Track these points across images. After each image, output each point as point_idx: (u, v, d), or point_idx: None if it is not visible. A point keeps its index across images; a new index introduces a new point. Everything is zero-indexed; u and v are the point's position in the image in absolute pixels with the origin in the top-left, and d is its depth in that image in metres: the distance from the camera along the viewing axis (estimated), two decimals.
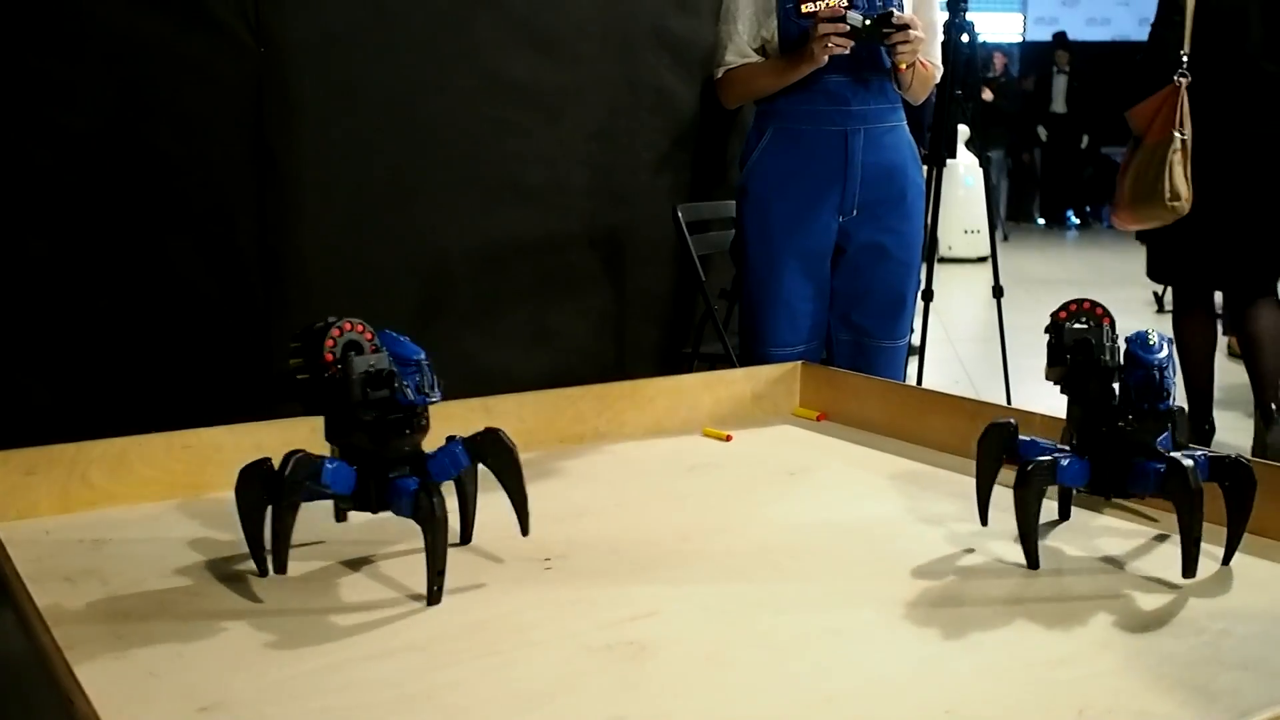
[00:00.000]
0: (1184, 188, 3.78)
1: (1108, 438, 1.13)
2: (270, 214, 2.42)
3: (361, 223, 2.55)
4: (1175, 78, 3.82)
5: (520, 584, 1.10)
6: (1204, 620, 1.02)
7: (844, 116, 2.62)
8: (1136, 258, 4.69)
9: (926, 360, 4.30)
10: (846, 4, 2.55)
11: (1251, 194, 3.95)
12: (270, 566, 1.12)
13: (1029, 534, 1.13)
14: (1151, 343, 1.12)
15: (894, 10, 2.53)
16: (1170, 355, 1.12)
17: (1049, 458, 1.14)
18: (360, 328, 1.10)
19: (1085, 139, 13.82)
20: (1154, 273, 4.49)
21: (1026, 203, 14.55)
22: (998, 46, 14.63)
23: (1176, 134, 3.77)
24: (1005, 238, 12.41)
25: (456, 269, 2.71)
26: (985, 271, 4.53)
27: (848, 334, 2.72)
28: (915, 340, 4.55)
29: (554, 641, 0.98)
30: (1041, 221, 14.70)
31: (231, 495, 1.11)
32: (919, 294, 4.13)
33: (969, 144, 8.11)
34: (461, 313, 2.72)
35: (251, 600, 1.07)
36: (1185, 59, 3.83)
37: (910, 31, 2.52)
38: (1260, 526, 1.22)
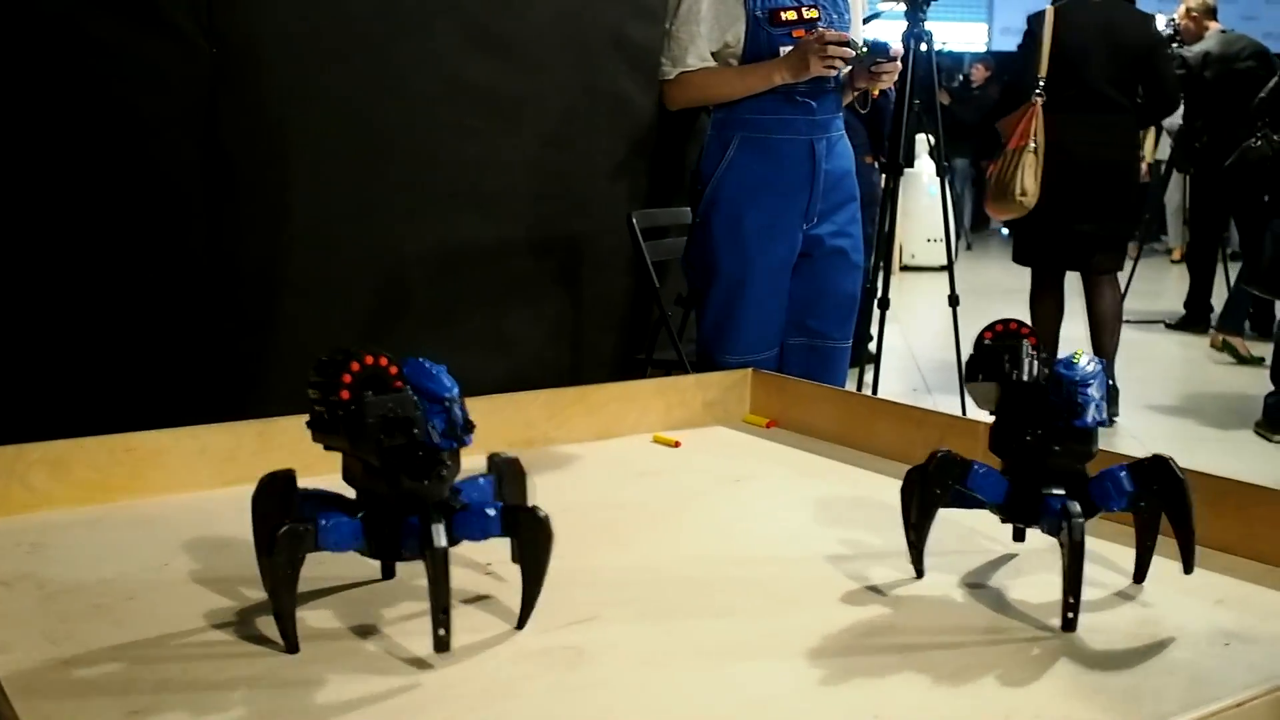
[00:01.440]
0: (1032, 185, 4.82)
1: (1018, 455, 1.08)
2: (224, 217, 2.41)
3: (317, 227, 2.54)
4: (1033, 97, 4.88)
5: (458, 587, 1.10)
6: (1130, 626, 1.03)
7: (810, 125, 2.64)
8: None
9: (887, 368, 4.32)
10: (816, 14, 2.58)
11: (1096, 193, 4.92)
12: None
13: (913, 540, 1.11)
14: (1076, 361, 1.06)
15: (886, 42, 2.59)
16: (1098, 374, 1.06)
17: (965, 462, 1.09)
18: (384, 360, 0.98)
19: None
20: (1018, 257, 5.40)
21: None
22: (979, 56, 14.65)
23: (1030, 141, 4.81)
24: (969, 246, 12.49)
25: (413, 274, 2.71)
26: (946, 280, 4.57)
27: (801, 338, 2.73)
28: (872, 347, 4.58)
29: (492, 645, 0.98)
30: (1005, 231, 14.77)
31: (173, 498, 1.10)
32: (875, 302, 4.16)
33: (932, 153, 8.17)
34: (418, 318, 2.72)
35: (189, 606, 1.07)
36: (1041, 82, 4.90)
37: (897, 64, 2.59)
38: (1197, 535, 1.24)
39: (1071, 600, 1.00)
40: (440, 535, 0.94)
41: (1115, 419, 1.09)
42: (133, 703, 0.87)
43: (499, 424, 1.64)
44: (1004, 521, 1.12)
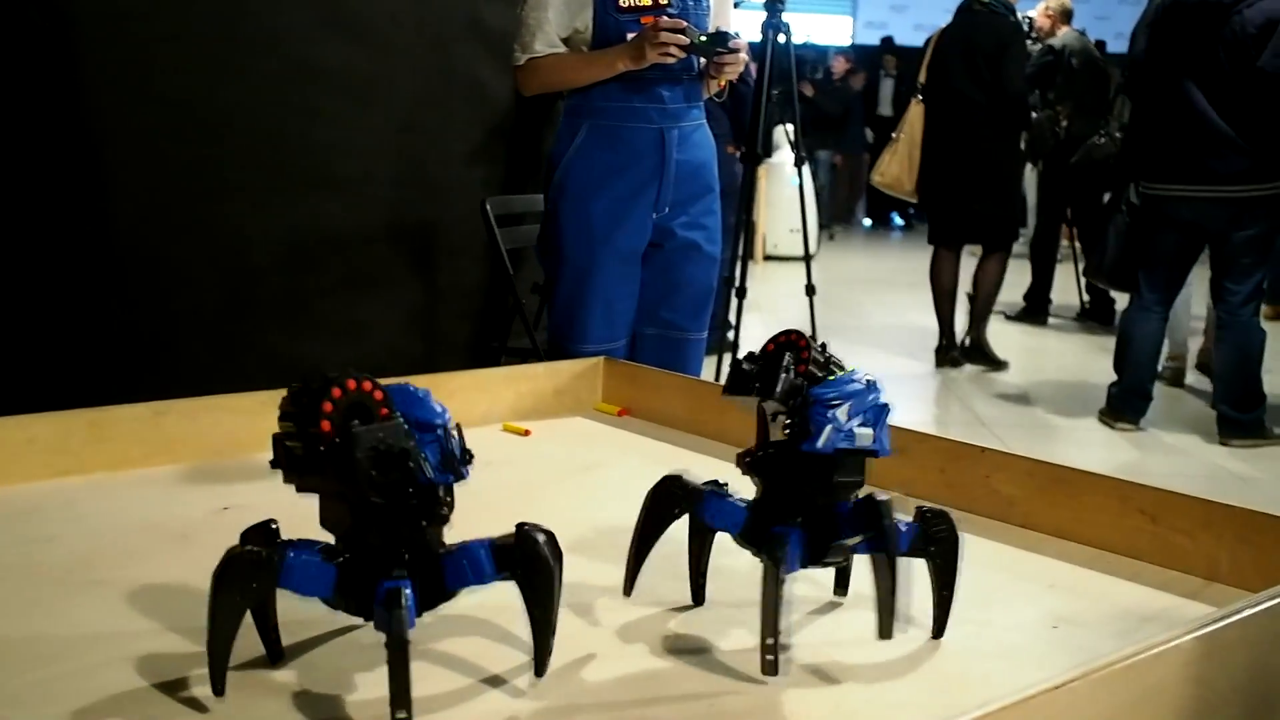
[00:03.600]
0: (887, 166, 6.06)
1: (759, 478, 0.97)
2: (55, 200, 2.32)
3: (160, 212, 2.47)
4: (912, 99, 6.09)
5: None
6: (968, 612, 1.03)
7: (661, 114, 2.64)
8: None
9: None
10: (666, 1, 2.57)
11: (955, 178, 5.85)
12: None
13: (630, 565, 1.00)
14: (836, 377, 0.93)
15: (729, 33, 2.58)
16: (859, 394, 0.93)
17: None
18: (368, 385, 0.86)
19: None
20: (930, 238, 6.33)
21: (853, 204, 14.87)
22: (841, 49, 14.87)
23: (900, 133, 6.06)
24: (831, 237, 12.68)
25: (261, 261, 2.65)
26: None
27: (654, 329, 2.74)
28: (730, 335, 4.62)
29: (326, 639, 0.96)
30: (868, 223, 15.05)
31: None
32: (733, 291, 4.20)
33: (794, 144, 8.26)
34: (267, 305, 2.66)
35: (7, 603, 1.02)
36: (920, 85, 6.06)
37: (740, 55, 2.58)
38: (1032, 520, 1.27)
39: (769, 642, 0.89)
40: (395, 620, 0.79)
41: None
42: None
43: None
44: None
